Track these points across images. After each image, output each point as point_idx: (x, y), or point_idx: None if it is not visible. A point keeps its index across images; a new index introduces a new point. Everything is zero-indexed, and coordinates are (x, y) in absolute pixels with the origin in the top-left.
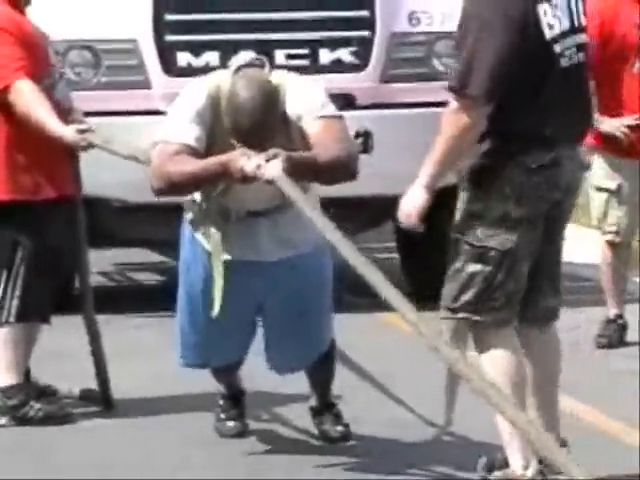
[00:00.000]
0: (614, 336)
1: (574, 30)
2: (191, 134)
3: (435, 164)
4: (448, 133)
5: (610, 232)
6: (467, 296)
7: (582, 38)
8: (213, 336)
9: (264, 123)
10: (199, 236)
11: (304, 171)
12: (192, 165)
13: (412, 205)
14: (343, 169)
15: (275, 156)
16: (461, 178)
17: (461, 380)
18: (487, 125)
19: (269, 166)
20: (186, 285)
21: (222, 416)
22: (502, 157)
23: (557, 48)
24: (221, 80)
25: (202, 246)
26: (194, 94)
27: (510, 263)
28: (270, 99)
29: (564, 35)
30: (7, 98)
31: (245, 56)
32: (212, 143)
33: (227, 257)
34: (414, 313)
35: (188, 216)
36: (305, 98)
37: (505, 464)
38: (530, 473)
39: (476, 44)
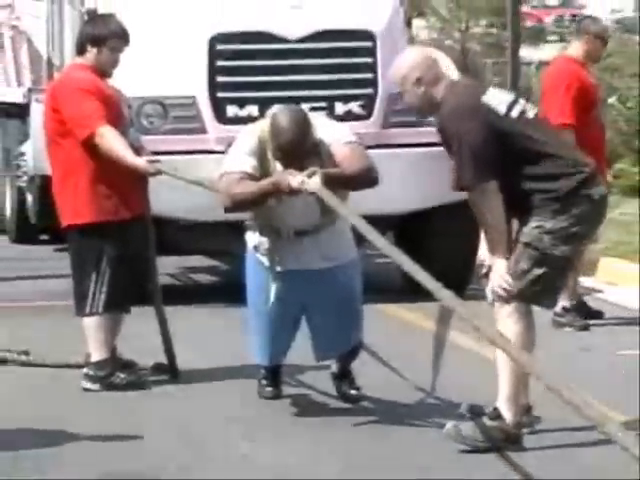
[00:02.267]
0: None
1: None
2: (247, 164)
3: (494, 241)
4: (486, 216)
5: None
6: (533, 290)
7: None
8: (271, 335)
9: (300, 144)
10: (257, 252)
11: (337, 182)
12: (251, 187)
13: (504, 275)
14: (367, 177)
15: (314, 173)
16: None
17: (443, 356)
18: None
19: (310, 181)
20: (251, 294)
21: (263, 382)
22: (572, 191)
23: (514, 113)
24: (265, 126)
25: (260, 260)
26: (247, 137)
27: (565, 267)
28: (304, 125)
29: (513, 102)
30: (93, 141)
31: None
32: (263, 173)
33: (279, 268)
34: (453, 299)
35: (249, 236)
36: (333, 130)
37: (498, 417)
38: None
39: (461, 149)
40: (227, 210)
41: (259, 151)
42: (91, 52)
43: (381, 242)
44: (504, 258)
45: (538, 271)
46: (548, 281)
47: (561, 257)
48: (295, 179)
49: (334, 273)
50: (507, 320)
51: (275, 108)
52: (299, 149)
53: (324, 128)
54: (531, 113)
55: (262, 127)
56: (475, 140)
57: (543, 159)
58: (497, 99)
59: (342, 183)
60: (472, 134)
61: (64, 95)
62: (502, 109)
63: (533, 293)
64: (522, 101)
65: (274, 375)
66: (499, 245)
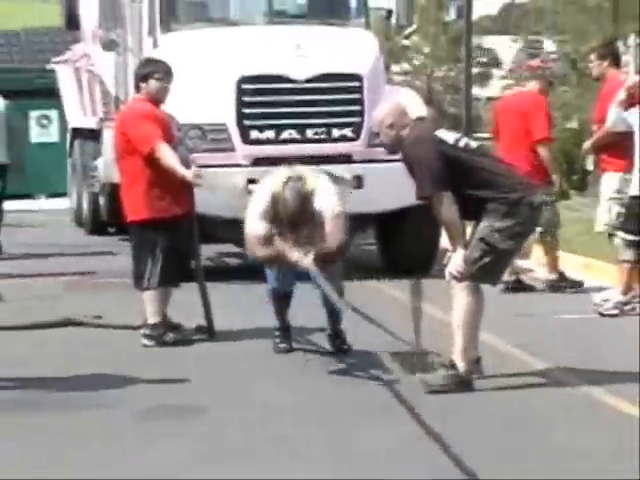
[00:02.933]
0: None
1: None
2: (262, 228)
3: (454, 238)
4: (445, 217)
5: None
6: (480, 273)
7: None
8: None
9: (302, 217)
10: None
11: (321, 257)
12: (267, 252)
13: (460, 264)
14: (340, 253)
15: (308, 253)
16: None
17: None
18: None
19: (305, 260)
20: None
21: (277, 340)
22: (517, 199)
23: (461, 143)
24: (275, 186)
25: None
26: (263, 194)
27: (508, 257)
28: (305, 203)
29: (459, 138)
30: (153, 155)
31: (289, 172)
32: (276, 224)
33: None
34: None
35: None
36: (328, 199)
37: (452, 366)
38: (468, 374)
39: (421, 168)
40: (256, 262)
41: (272, 209)
42: (143, 86)
43: (327, 286)
44: (460, 249)
45: (486, 259)
46: (493, 267)
47: (506, 250)
48: (295, 255)
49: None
50: (461, 294)
51: (282, 173)
52: (299, 218)
53: (323, 194)
54: (474, 144)
55: (275, 189)
56: (431, 161)
57: (488, 176)
58: (446, 134)
59: (325, 257)
60: (429, 156)
61: (129, 121)
62: (451, 140)
63: (481, 275)
64: (465, 138)
65: (285, 333)
66: (456, 240)
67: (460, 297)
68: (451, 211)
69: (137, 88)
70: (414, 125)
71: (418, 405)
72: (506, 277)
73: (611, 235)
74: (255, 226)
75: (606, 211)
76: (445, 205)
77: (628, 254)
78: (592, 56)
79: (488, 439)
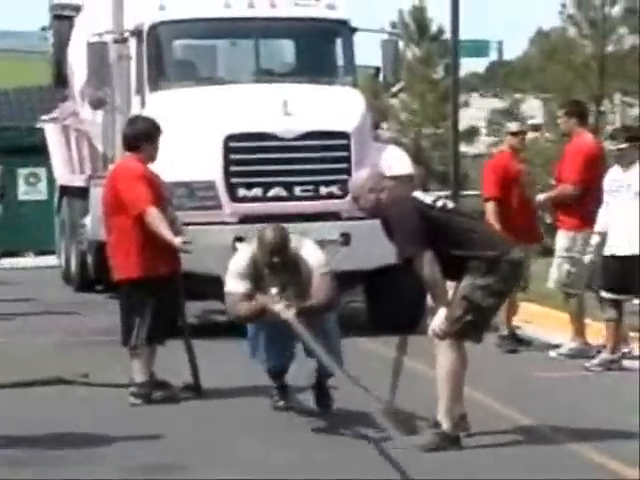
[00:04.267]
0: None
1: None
2: (243, 286)
3: (437, 296)
4: (427, 278)
5: None
6: (464, 330)
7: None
8: (271, 353)
9: (281, 256)
10: None
11: (306, 311)
12: (248, 308)
13: (443, 322)
14: (328, 306)
15: (290, 306)
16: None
17: (399, 376)
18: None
19: (287, 312)
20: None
21: (275, 398)
22: (497, 257)
23: (439, 204)
24: (255, 251)
25: None
26: (243, 256)
27: (489, 314)
28: (285, 241)
29: (436, 199)
30: (142, 217)
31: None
32: (257, 282)
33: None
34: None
35: None
36: (316, 258)
37: (436, 425)
38: (454, 431)
39: (401, 229)
40: (236, 321)
41: (252, 269)
42: (136, 147)
43: (307, 337)
44: (443, 307)
45: (469, 317)
46: (476, 324)
47: (487, 307)
48: (277, 306)
49: (320, 322)
50: (444, 352)
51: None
52: (280, 253)
53: (310, 252)
54: (450, 205)
55: (254, 252)
56: (410, 222)
57: (467, 235)
58: (423, 196)
59: (308, 311)
60: (407, 217)
61: (122, 180)
62: (428, 201)
63: (464, 332)
64: (442, 199)
65: (283, 392)
66: (439, 298)
67: (443, 355)
68: (433, 270)
69: (127, 147)
70: (392, 187)
71: (409, 464)
72: (502, 333)
73: (567, 294)
74: (234, 285)
75: (557, 268)
76: (427, 264)
77: (611, 312)
78: (560, 112)
79: None
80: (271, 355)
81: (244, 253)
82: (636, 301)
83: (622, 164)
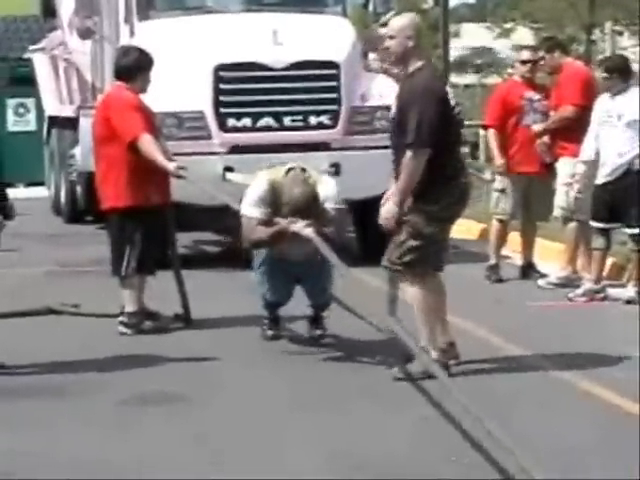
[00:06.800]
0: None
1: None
2: (259, 211)
3: (402, 191)
4: (410, 171)
5: (498, 214)
6: (407, 258)
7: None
8: (273, 288)
9: (307, 206)
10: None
11: (321, 235)
12: (265, 232)
13: (390, 214)
14: (337, 238)
15: (310, 224)
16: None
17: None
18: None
19: (306, 230)
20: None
21: (265, 328)
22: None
23: (457, 110)
24: (275, 175)
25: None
26: (261, 183)
27: (433, 242)
28: (310, 193)
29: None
30: (135, 144)
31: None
32: (274, 212)
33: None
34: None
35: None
36: (329, 190)
37: (425, 351)
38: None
39: (419, 116)
40: (250, 248)
41: (270, 196)
42: (129, 77)
43: (335, 259)
44: (396, 205)
45: (412, 242)
46: (420, 250)
47: (429, 234)
48: (297, 225)
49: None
50: (406, 288)
51: (289, 166)
52: (305, 210)
53: (324, 186)
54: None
55: (273, 177)
56: (430, 113)
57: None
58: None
59: (324, 238)
60: (431, 108)
61: (115, 108)
62: (453, 102)
63: (410, 262)
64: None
65: (274, 322)
66: (400, 195)
67: (407, 292)
68: (419, 169)
69: (119, 76)
70: (427, 66)
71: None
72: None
73: (567, 219)
74: (252, 210)
75: (562, 195)
76: (418, 163)
77: (599, 242)
78: (540, 54)
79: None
80: (275, 288)
81: (262, 181)
82: (627, 230)
83: (611, 92)
